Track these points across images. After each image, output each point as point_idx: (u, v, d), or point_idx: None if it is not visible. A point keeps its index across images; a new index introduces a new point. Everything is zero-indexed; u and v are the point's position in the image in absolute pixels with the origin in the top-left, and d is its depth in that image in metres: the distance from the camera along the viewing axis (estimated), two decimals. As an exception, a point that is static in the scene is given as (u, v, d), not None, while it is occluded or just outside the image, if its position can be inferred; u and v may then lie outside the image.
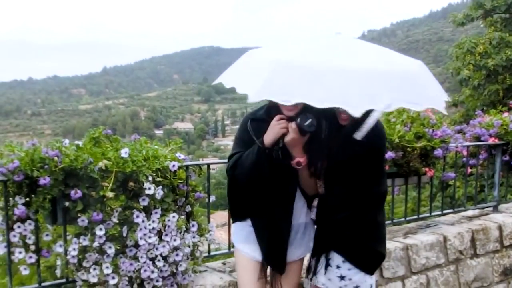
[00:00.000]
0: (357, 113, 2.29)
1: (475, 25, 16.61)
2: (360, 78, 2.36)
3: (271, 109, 2.81)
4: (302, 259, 3.13)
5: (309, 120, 2.64)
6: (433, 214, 5.16)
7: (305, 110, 2.65)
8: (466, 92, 14.80)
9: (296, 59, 2.46)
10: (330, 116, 2.76)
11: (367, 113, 2.63)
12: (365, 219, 2.87)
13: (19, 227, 2.81)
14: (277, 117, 2.72)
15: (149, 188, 2.93)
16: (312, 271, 3.00)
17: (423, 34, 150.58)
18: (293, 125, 2.67)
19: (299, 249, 3.04)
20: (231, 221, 3.20)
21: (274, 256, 2.93)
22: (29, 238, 2.84)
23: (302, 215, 2.99)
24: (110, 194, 2.81)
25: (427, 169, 4.50)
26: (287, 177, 2.85)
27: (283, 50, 2.74)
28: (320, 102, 2.29)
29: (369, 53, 2.69)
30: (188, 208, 3.27)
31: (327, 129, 2.76)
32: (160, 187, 2.99)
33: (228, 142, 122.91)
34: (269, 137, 2.72)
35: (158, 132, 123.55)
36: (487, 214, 5.41)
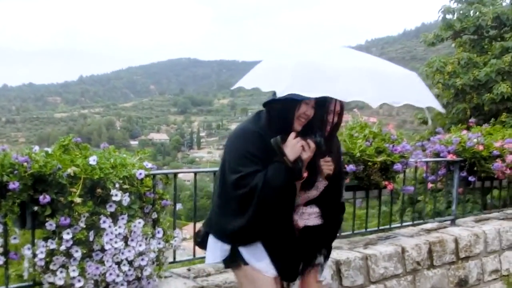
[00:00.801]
0: (374, 104, 2.52)
1: (447, 45, 16.94)
2: (373, 75, 2.66)
3: (275, 122, 2.85)
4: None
5: (321, 138, 2.80)
6: (392, 226, 5.35)
7: (310, 127, 2.84)
8: (435, 110, 15.05)
9: (317, 60, 2.72)
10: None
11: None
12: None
13: (-13, 230, 2.90)
14: (292, 135, 2.77)
15: (116, 195, 3.05)
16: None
17: (397, 52, 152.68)
18: (311, 143, 2.77)
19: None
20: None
21: (288, 269, 2.98)
22: (-3, 241, 2.94)
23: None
24: (78, 200, 2.92)
25: (387, 182, 4.69)
26: (295, 191, 2.90)
27: (301, 54, 2.96)
28: (343, 95, 2.61)
29: (372, 58, 3.00)
30: (155, 215, 3.38)
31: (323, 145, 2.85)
32: (127, 194, 3.11)
33: (203, 154, 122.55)
34: (292, 155, 2.74)
35: (134, 142, 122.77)
36: (445, 227, 5.61)
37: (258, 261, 2.91)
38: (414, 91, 2.81)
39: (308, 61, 2.72)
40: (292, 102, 2.77)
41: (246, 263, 2.92)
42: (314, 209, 3.11)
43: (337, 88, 2.57)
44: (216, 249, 2.99)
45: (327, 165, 2.99)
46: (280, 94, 2.59)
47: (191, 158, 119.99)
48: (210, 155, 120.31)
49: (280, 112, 2.85)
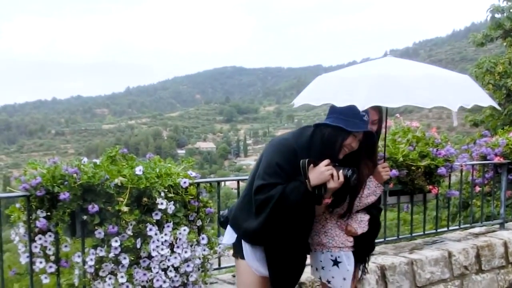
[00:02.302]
0: (455, 108, 2.66)
1: (498, 44, 16.58)
2: (445, 82, 2.79)
3: (322, 147, 2.88)
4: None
5: (355, 175, 2.84)
6: (439, 230, 5.29)
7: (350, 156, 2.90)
8: (487, 111, 14.75)
9: (389, 73, 2.81)
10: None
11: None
12: None
13: (40, 238, 3.02)
14: (326, 162, 2.81)
15: (162, 203, 3.15)
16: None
17: (446, 54, 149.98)
18: (341, 176, 2.81)
19: None
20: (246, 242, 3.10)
21: (285, 282, 3.04)
22: (49, 249, 3.04)
23: None
24: (125, 209, 3.03)
25: (431, 186, 4.65)
26: (313, 214, 2.97)
27: (364, 69, 3.07)
28: (424, 102, 2.68)
29: (426, 65, 3.11)
30: (199, 223, 3.46)
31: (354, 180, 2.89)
32: (172, 202, 3.21)
33: (250, 162, 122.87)
34: (316, 181, 2.80)
35: (181, 151, 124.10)
36: (493, 231, 5.52)
37: (254, 260, 3.02)
38: (476, 92, 2.91)
39: (381, 74, 2.79)
40: (342, 131, 2.82)
41: (243, 257, 3.04)
42: (367, 217, 3.18)
43: (416, 96, 2.65)
44: (228, 234, 3.13)
45: (384, 171, 3.12)
46: (361, 107, 2.63)
47: (238, 166, 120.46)
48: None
49: (327, 137, 2.88)
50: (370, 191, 3.11)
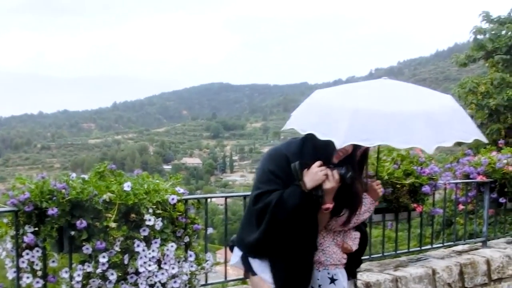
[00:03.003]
0: (430, 151, 2.65)
1: (480, 65, 16.84)
2: (426, 120, 2.72)
3: (315, 152, 2.91)
4: None
5: (350, 173, 2.85)
6: (423, 248, 5.36)
7: (345, 161, 2.91)
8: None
9: (372, 107, 2.78)
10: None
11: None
12: None
13: (27, 254, 3.02)
14: (318, 163, 2.83)
15: (149, 220, 3.17)
16: None
17: (430, 73, 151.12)
18: (336, 175, 2.83)
19: None
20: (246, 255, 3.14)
21: None
22: (37, 265, 3.04)
23: None
24: (113, 225, 3.05)
25: (416, 204, 4.72)
26: (315, 220, 2.96)
27: (351, 98, 2.96)
28: (399, 143, 2.72)
29: (422, 93, 3.07)
30: (187, 239, 3.48)
31: (352, 178, 2.90)
32: (160, 218, 3.23)
33: (236, 178, 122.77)
34: (311, 182, 2.80)
35: (167, 167, 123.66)
36: (476, 249, 5.60)
37: (266, 272, 3.02)
38: (462, 126, 2.87)
39: (362, 109, 2.78)
40: None
41: (254, 273, 3.05)
42: (357, 234, 3.23)
43: (393, 136, 2.67)
44: (234, 254, 3.17)
45: (378, 188, 3.21)
46: (340, 146, 2.65)
47: (224, 181, 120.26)
48: (243, 178, 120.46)
49: (319, 141, 2.84)
50: (366, 208, 3.16)
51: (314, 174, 2.81)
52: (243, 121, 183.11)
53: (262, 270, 3.04)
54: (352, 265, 3.28)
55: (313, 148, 2.92)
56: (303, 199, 2.82)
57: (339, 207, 3.00)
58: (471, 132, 2.88)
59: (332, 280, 3.14)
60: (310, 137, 2.92)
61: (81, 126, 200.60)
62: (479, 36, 14.49)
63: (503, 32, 14.25)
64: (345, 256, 3.17)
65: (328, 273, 3.13)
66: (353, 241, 3.18)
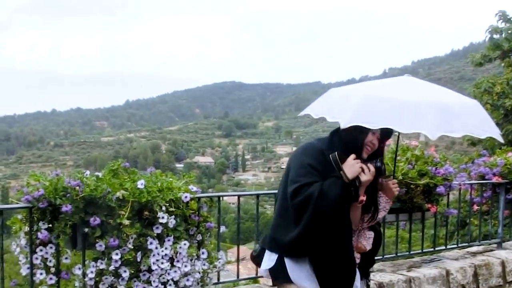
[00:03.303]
0: (434, 137, 2.63)
1: (496, 65, 16.70)
2: (438, 110, 2.75)
3: (346, 146, 2.92)
4: None
5: (383, 166, 2.92)
6: (437, 249, 5.31)
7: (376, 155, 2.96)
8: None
9: (381, 94, 2.84)
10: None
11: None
12: None
13: (41, 250, 3.03)
14: (353, 156, 2.85)
15: (163, 217, 3.17)
16: None
17: (445, 73, 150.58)
18: (371, 167, 2.87)
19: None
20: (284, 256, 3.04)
21: None
22: (50, 261, 3.05)
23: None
24: (126, 222, 3.05)
25: (430, 205, 4.68)
26: (349, 216, 2.96)
27: (365, 87, 3.09)
28: (404, 127, 2.71)
29: (436, 89, 3.09)
30: (199, 237, 3.47)
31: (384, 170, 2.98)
32: (173, 216, 3.23)
33: (248, 177, 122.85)
34: (351, 174, 2.81)
35: (179, 165, 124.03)
36: (491, 250, 5.55)
37: (302, 278, 2.95)
38: (476, 121, 2.86)
39: (372, 94, 2.82)
40: (362, 131, 2.87)
41: (290, 281, 2.96)
42: (372, 233, 3.22)
43: (399, 121, 2.69)
44: (266, 258, 3.09)
45: (394, 187, 3.18)
46: (344, 126, 2.70)
47: (236, 180, 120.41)
48: (255, 177, 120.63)
49: (348, 137, 2.93)
50: (381, 207, 3.17)
51: (351, 166, 2.82)
52: (256, 120, 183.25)
53: (299, 275, 2.96)
54: (365, 265, 3.25)
55: (342, 144, 2.94)
56: (344, 189, 2.80)
57: (368, 203, 3.02)
58: (487, 130, 2.86)
59: None
60: (336, 134, 2.99)
61: (94, 124, 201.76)
62: (495, 36, 14.32)
63: (520, 31, 14.10)
64: (358, 255, 3.15)
65: None
66: (367, 240, 3.17)
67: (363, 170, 2.84)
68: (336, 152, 2.85)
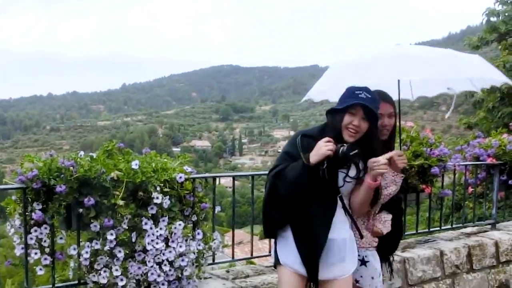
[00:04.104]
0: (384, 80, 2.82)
1: (493, 48, 16.69)
2: (390, 60, 2.95)
3: (326, 131, 2.99)
4: (350, 278, 3.12)
5: (353, 151, 2.84)
6: (431, 230, 5.33)
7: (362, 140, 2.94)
8: (481, 114, 14.91)
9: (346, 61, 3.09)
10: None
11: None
12: None
13: (35, 230, 3.02)
14: (326, 138, 2.86)
15: (157, 198, 3.16)
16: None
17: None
18: (331, 146, 2.84)
19: (346, 264, 3.08)
20: (267, 237, 3.32)
21: (310, 267, 2.99)
22: (45, 241, 3.05)
23: (343, 231, 3.06)
24: (121, 202, 3.04)
25: (424, 186, 4.69)
26: (327, 193, 2.97)
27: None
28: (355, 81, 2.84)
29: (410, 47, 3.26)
30: (194, 218, 3.47)
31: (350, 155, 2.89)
32: (168, 197, 3.22)
33: (245, 161, 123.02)
34: (315, 157, 2.84)
35: (176, 149, 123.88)
36: (485, 231, 5.58)
37: (291, 261, 3.05)
38: (441, 69, 2.94)
39: (339, 64, 2.86)
40: (340, 112, 2.90)
41: (279, 262, 3.10)
42: (389, 216, 3.23)
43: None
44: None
45: (400, 159, 3.06)
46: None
47: (233, 164, 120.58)
48: (252, 161, 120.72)
49: (331, 122, 2.99)
50: (388, 181, 3.13)
51: (318, 149, 2.85)
52: (253, 104, 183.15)
53: (287, 257, 3.07)
54: (386, 249, 3.32)
55: (330, 129, 2.98)
56: (302, 171, 2.85)
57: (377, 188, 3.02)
58: (450, 77, 3.09)
59: (363, 262, 3.19)
60: (327, 118, 3.04)
61: (90, 107, 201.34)
62: (492, 18, 14.31)
63: (517, 14, 14.09)
64: (376, 239, 3.20)
65: (359, 255, 3.17)
66: (383, 224, 3.18)
67: (334, 152, 2.83)
68: (299, 136, 2.97)
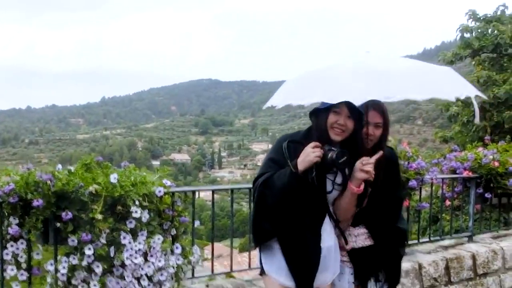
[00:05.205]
0: (359, 102, 2.68)
1: (467, 63, 16.97)
2: (365, 75, 2.71)
3: (311, 133, 2.93)
4: (330, 285, 3.08)
5: (342, 158, 2.74)
6: (410, 243, 5.36)
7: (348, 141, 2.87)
8: (456, 128, 15.14)
9: (316, 70, 2.92)
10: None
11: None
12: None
13: (12, 246, 3.00)
14: (313, 143, 2.77)
15: (136, 212, 3.14)
16: None
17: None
18: (316, 151, 2.74)
19: (328, 273, 3.01)
20: (256, 247, 3.11)
21: (303, 280, 2.91)
22: (21, 257, 3.02)
23: (328, 238, 2.99)
24: (99, 217, 3.01)
25: (402, 199, 4.72)
26: (316, 201, 2.90)
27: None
28: (326, 97, 2.70)
29: (381, 58, 3.08)
30: (173, 232, 3.46)
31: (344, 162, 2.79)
32: (146, 211, 3.21)
33: (224, 174, 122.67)
34: (302, 164, 2.74)
35: (155, 162, 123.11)
36: (462, 244, 5.63)
37: (276, 272, 2.98)
38: (416, 84, 2.77)
39: (308, 72, 2.83)
40: (324, 112, 2.85)
41: (265, 273, 3.04)
42: (361, 230, 3.11)
43: (322, 92, 2.69)
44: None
45: (365, 167, 2.81)
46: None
47: (212, 177, 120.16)
48: (232, 174, 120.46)
49: (316, 123, 2.92)
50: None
51: (305, 155, 2.76)
52: (232, 118, 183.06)
53: (270, 267, 3.00)
54: (363, 267, 3.12)
55: (315, 130, 2.92)
56: (291, 179, 2.77)
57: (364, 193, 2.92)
58: (429, 92, 2.79)
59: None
60: (311, 119, 2.97)
61: (69, 121, 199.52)
62: (465, 35, 14.58)
63: (489, 31, 14.36)
64: (343, 253, 3.09)
65: None
66: (355, 237, 3.08)
67: (322, 158, 2.74)
68: (286, 141, 2.87)
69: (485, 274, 5.33)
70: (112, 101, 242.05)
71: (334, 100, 2.70)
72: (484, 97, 2.97)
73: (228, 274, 4.33)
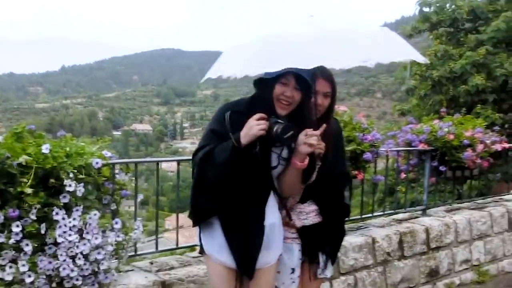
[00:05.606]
0: (338, 66, 2.49)
1: (425, 38, 17.18)
2: (337, 38, 2.51)
3: (255, 103, 2.72)
4: (274, 265, 2.93)
5: (288, 133, 2.56)
6: (363, 216, 5.29)
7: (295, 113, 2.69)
8: (413, 101, 15.39)
9: (276, 35, 2.62)
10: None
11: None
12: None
13: None
14: (257, 115, 2.57)
15: (70, 185, 2.91)
16: (322, 266, 3.05)
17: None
18: (261, 124, 2.54)
19: (271, 251, 2.86)
20: (195, 225, 2.94)
21: (245, 260, 2.77)
22: None
23: (272, 215, 2.84)
24: (29, 191, 2.78)
25: (357, 172, 4.61)
26: (260, 176, 2.73)
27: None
28: (304, 64, 2.43)
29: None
30: (114, 206, 3.26)
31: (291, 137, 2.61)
32: (82, 184, 2.98)
33: (186, 145, 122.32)
34: (246, 137, 2.54)
35: (116, 133, 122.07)
36: (416, 217, 5.59)
37: (217, 251, 2.82)
38: (388, 47, 2.64)
39: (267, 36, 2.62)
40: (269, 83, 2.65)
41: (204, 251, 2.88)
42: (312, 207, 2.99)
43: (297, 58, 2.42)
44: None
45: (309, 140, 2.61)
46: (240, 76, 2.51)
47: (174, 148, 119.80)
48: (193, 145, 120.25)
49: (260, 94, 2.73)
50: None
51: (249, 128, 2.55)
52: (194, 88, 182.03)
53: (211, 247, 2.83)
54: (312, 244, 3.00)
55: (259, 101, 2.72)
56: (233, 154, 2.57)
57: (310, 167, 2.73)
58: (403, 54, 2.69)
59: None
60: (256, 89, 2.78)
61: (28, 89, 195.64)
62: (424, 9, 14.74)
63: (448, 5, 14.53)
64: (292, 230, 2.97)
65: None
66: (297, 215, 2.96)
67: (267, 131, 2.55)
68: (228, 112, 2.67)
69: (437, 248, 5.30)
70: (72, 70, 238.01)
71: (309, 66, 2.49)
72: (423, 59, 2.77)
73: (192, 248, 4.18)
